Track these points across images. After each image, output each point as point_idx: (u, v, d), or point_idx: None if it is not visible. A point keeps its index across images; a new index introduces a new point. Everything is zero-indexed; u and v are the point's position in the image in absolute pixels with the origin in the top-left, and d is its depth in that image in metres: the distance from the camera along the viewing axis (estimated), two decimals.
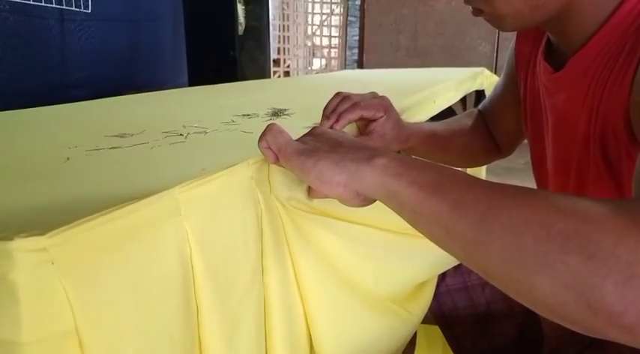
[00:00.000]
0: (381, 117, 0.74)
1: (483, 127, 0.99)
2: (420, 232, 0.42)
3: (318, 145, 0.50)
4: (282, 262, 0.58)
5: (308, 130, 0.56)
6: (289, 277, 0.60)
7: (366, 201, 0.48)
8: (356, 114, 0.70)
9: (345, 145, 0.49)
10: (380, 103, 0.74)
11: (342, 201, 0.48)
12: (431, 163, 0.43)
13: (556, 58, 0.73)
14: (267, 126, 0.52)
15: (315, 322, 0.62)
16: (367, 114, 0.72)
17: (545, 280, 0.33)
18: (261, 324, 0.56)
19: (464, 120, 1.00)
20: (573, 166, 0.72)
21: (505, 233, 0.35)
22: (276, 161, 0.51)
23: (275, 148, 0.51)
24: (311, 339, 0.65)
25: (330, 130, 0.55)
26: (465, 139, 0.97)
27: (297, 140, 0.52)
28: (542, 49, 0.76)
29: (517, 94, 0.88)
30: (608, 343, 0.69)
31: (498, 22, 0.68)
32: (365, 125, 0.75)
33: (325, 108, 0.73)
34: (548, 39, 0.75)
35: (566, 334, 0.78)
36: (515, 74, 0.87)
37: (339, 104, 0.71)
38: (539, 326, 0.87)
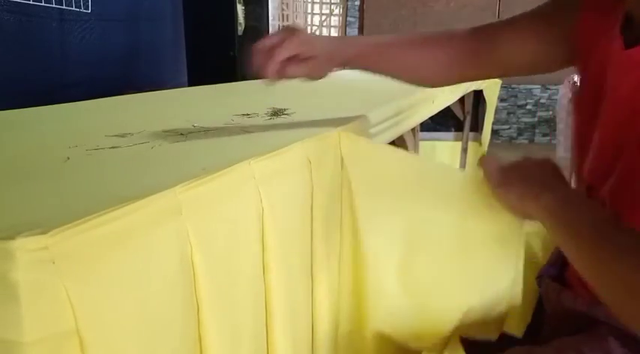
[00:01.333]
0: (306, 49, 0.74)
1: (467, 48, 0.85)
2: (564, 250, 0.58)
3: (511, 178, 0.64)
4: (285, 260, 0.58)
5: None
6: (291, 275, 0.60)
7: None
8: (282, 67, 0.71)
9: (530, 179, 0.62)
10: (298, 39, 0.73)
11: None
12: (588, 216, 0.56)
13: (631, 34, 0.66)
14: (484, 158, 0.69)
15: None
16: (292, 52, 0.72)
17: None
18: (262, 323, 0.56)
19: (431, 37, 0.88)
20: (625, 153, 0.64)
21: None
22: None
23: (486, 174, 0.67)
24: (313, 336, 0.65)
25: (536, 163, 0.65)
26: (430, 55, 0.85)
27: (502, 166, 0.66)
28: (621, 22, 0.68)
29: (554, 40, 0.78)
30: (601, 325, 0.69)
31: None
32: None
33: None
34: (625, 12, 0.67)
35: (565, 314, 0.77)
36: (569, 36, 0.76)
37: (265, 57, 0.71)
38: (541, 306, 0.86)
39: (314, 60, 0.74)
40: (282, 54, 0.71)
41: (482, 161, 0.68)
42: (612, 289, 0.49)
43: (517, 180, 0.63)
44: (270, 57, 0.70)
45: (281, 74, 0.72)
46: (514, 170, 0.65)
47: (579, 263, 0.54)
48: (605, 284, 0.50)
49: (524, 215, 0.65)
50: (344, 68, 0.83)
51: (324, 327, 0.68)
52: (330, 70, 0.80)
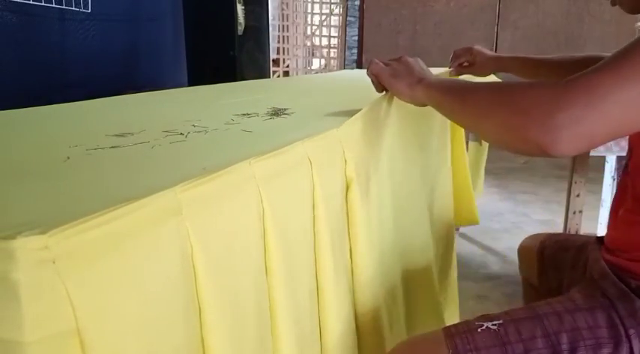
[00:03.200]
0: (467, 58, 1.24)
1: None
2: (442, 114, 0.78)
3: (399, 70, 0.84)
4: (287, 261, 0.58)
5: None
6: (295, 275, 0.60)
7: (420, 104, 0.82)
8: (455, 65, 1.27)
9: (413, 71, 0.82)
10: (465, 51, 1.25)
11: (408, 102, 0.84)
12: (454, 80, 0.78)
13: None
14: (370, 61, 0.87)
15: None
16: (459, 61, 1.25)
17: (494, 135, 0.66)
18: (266, 324, 0.56)
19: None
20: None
21: (482, 117, 0.67)
22: (378, 84, 0.87)
23: (374, 74, 0.87)
24: (321, 337, 0.65)
25: (410, 60, 0.85)
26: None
27: (387, 65, 0.86)
28: None
29: None
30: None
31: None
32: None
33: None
34: None
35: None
36: None
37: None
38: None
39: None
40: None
41: (370, 65, 0.87)
42: (474, 118, 0.69)
43: (403, 73, 0.83)
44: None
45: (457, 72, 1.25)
46: (398, 66, 0.85)
47: (455, 113, 0.75)
48: (469, 115, 0.70)
49: (413, 98, 0.82)
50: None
51: (331, 326, 0.68)
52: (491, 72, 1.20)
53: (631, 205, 0.76)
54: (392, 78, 0.84)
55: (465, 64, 1.26)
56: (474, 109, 0.69)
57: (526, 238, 1.14)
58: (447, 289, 1.35)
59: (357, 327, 0.77)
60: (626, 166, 0.80)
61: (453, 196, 1.38)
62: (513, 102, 0.60)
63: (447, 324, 0.75)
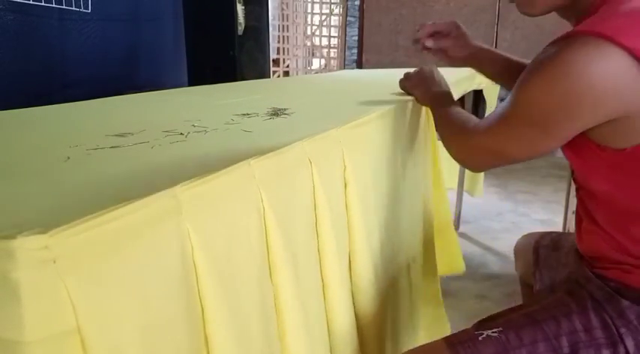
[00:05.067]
0: (449, 34, 1.11)
1: None
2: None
3: (419, 80, 1.10)
4: (291, 260, 0.58)
5: None
6: (299, 274, 0.60)
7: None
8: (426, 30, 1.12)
9: (426, 83, 1.08)
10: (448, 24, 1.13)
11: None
12: (448, 97, 1.01)
13: None
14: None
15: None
16: (437, 28, 1.11)
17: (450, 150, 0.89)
18: (271, 323, 0.56)
19: None
20: None
21: (444, 134, 0.92)
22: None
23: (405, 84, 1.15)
24: (330, 333, 0.65)
25: (426, 71, 1.10)
26: None
27: (411, 74, 1.14)
28: None
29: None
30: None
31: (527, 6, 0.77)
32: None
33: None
34: None
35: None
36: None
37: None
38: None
39: (452, 39, 1.10)
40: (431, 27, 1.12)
41: (405, 76, 1.15)
42: (442, 133, 0.92)
43: (420, 84, 1.08)
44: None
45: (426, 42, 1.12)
46: (417, 77, 1.11)
47: (440, 127, 0.95)
48: (447, 133, 0.91)
49: (424, 103, 1.08)
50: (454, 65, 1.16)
51: (339, 325, 0.69)
52: (460, 57, 1.11)
53: (586, 218, 0.79)
54: (412, 89, 1.11)
55: (445, 43, 1.10)
56: (442, 128, 0.94)
57: (522, 238, 1.14)
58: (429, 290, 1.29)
59: (359, 326, 0.77)
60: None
61: (436, 241, 1.30)
62: (454, 133, 0.89)
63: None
